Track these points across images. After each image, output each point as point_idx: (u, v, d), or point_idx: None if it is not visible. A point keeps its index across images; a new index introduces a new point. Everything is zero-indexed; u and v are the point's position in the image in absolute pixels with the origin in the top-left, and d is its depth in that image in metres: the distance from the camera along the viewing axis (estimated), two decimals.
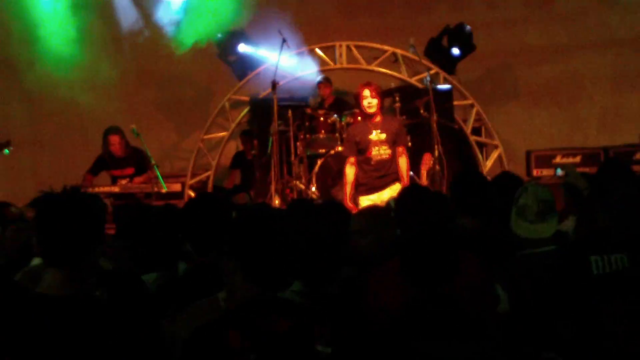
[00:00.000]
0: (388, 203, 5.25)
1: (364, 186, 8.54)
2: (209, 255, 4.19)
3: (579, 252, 4.35)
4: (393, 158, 8.43)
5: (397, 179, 8.57)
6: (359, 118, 8.89)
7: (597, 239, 4.41)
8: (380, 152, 8.41)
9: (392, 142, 8.41)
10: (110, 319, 3.20)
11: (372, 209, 5.30)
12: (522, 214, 4.58)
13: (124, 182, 10.16)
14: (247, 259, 3.28)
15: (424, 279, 3.68)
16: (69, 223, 3.22)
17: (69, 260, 3.22)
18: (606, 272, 4.19)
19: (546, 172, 11.15)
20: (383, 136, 8.40)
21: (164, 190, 9.85)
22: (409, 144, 9.23)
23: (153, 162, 9.89)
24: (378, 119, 8.40)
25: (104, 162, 10.29)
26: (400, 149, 8.43)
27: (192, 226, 4.34)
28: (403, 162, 8.42)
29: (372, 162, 8.41)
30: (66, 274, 3.20)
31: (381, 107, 8.51)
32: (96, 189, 9.78)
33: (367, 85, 8.49)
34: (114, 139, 10.11)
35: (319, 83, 11.42)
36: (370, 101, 8.37)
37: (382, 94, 8.66)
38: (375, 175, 8.44)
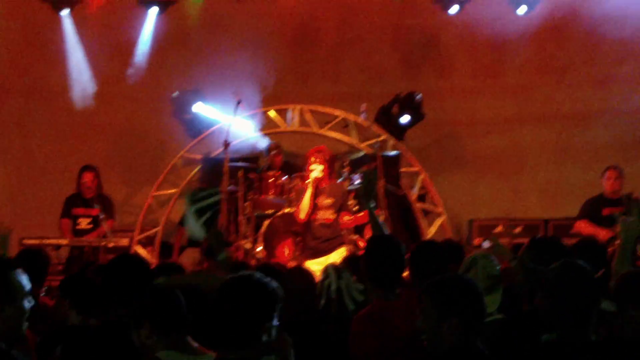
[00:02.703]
0: (326, 269, 5.37)
1: (311, 250, 8.66)
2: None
3: (530, 323, 4.46)
4: (337, 223, 8.63)
5: (342, 242, 8.77)
6: (307, 182, 9.07)
7: (531, 316, 4.51)
8: (325, 217, 8.59)
9: (338, 208, 8.61)
10: None
11: (297, 271, 5.44)
12: None
13: (85, 222, 10.24)
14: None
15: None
16: None
17: None
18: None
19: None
20: (329, 201, 8.60)
21: (111, 245, 9.92)
22: (355, 208, 9.42)
23: (102, 216, 9.97)
24: (324, 184, 8.58)
25: (73, 201, 10.45)
26: (343, 213, 8.68)
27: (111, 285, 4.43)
28: (347, 217, 8.65)
29: (317, 224, 8.58)
30: None
31: (330, 173, 8.68)
32: (44, 241, 9.82)
33: (317, 151, 8.66)
34: (88, 177, 10.26)
35: (277, 155, 11.18)
36: (314, 167, 8.55)
37: (332, 161, 8.84)
38: (322, 239, 8.60)
